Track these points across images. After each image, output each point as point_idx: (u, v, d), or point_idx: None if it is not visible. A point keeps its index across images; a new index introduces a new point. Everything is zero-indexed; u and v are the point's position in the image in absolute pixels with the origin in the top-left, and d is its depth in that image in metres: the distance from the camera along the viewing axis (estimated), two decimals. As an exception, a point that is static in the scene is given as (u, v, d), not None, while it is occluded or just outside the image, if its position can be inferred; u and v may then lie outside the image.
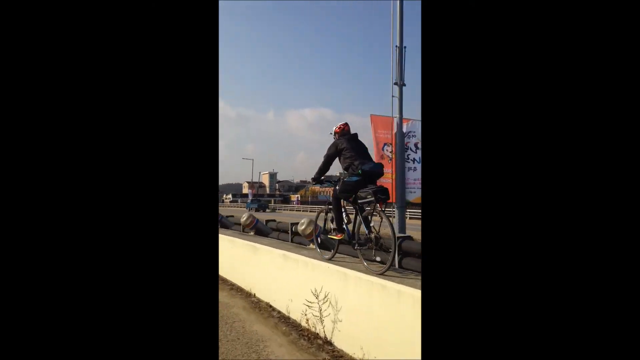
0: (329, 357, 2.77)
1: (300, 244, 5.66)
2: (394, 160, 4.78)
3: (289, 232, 6.29)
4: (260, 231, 6.49)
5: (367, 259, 3.15)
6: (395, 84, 4.45)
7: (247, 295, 4.49)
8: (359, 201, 3.17)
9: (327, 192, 65.48)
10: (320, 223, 4.05)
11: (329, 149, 3.53)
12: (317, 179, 3.77)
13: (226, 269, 5.49)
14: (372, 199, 2.96)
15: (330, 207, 3.67)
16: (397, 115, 4.47)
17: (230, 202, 64.25)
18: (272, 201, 58.90)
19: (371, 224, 3.09)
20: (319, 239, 4.15)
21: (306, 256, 3.66)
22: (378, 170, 3.26)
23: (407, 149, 4.68)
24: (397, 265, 3.74)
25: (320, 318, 3.03)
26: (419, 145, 4.78)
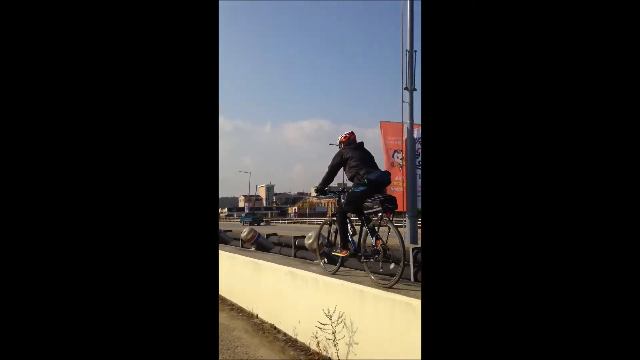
0: (346, 388, 2.46)
1: (304, 258, 5.36)
2: (404, 167, 4.55)
3: (292, 246, 6.00)
4: (261, 246, 6.17)
5: (374, 272, 2.94)
6: (406, 88, 4.26)
7: (249, 317, 4.16)
8: (365, 211, 3.01)
9: (324, 203, 65.17)
10: (325, 235, 3.83)
11: (334, 158, 3.37)
12: (320, 190, 3.62)
13: (226, 287, 5.15)
14: (380, 208, 2.82)
15: (334, 218, 3.50)
16: (408, 121, 4.26)
17: (226, 216, 63.62)
18: (269, 214, 58.46)
19: (378, 235, 2.90)
20: (324, 251, 3.90)
21: (315, 272, 3.37)
22: (385, 179, 3.09)
23: (419, 155, 4.45)
24: (412, 279, 3.47)
25: (334, 341, 2.72)
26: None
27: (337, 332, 2.72)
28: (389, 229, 2.82)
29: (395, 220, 2.99)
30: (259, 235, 6.20)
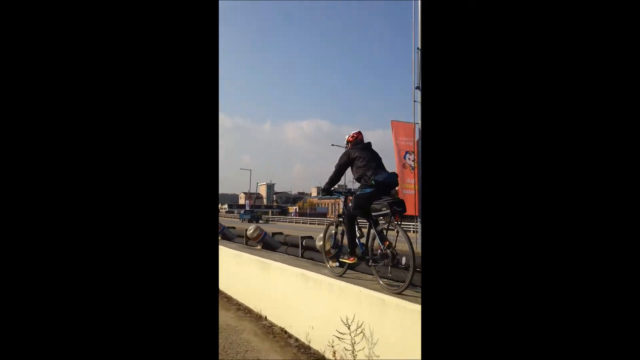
0: (366, 402, 2.32)
1: (312, 259, 5.22)
2: (416, 169, 4.40)
3: (300, 246, 5.86)
4: (268, 245, 6.02)
5: (382, 277, 2.85)
6: (417, 88, 4.12)
7: (257, 318, 4.01)
8: (373, 214, 2.92)
9: (325, 204, 64.99)
10: (329, 236, 3.73)
11: (341, 158, 3.30)
12: (327, 190, 3.51)
13: (232, 286, 5.01)
14: (388, 211, 2.75)
15: (340, 219, 3.43)
16: (420, 122, 4.11)
17: (227, 212, 63.43)
18: (270, 212, 58.32)
19: (387, 239, 2.83)
20: (331, 252, 3.78)
21: (329, 276, 3.22)
22: (392, 180, 3.03)
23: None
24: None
25: (353, 352, 2.57)
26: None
27: (356, 342, 2.57)
28: (398, 232, 2.74)
29: (404, 224, 2.92)
30: (266, 233, 6.06)
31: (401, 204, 2.80)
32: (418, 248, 4.15)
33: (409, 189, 4.60)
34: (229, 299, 4.84)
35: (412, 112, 4.25)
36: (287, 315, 3.65)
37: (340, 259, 3.28)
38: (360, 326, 2.59)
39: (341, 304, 2.88)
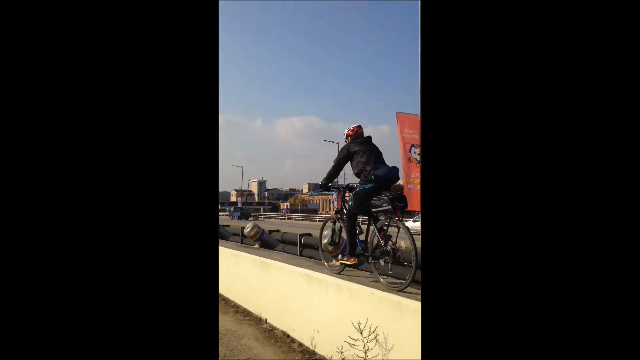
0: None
1: (311, 257, 5.03)
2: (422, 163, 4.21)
3: (298, 244, 5.66)
4: (266, 243, 5.81)
5: (382, 274, 2.78)
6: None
7: (257, 321, 3.81)
8: (373, 210, 2.82)
9: (316, 200, 64.79)
10: (326, 233, 3.58)
11: (340, 152, 3.20)
12: (324, 185, 3.39)
13: (229, 288, 4.79)
14: (389, 207, 2.66)
15: (338, 216, 3.35)
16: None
17: (218, 210, 62.87)
18: (262, 209, 57.95)
19: (388, 235, 2.78)
20: (328, 249, 3.67)
21: (336, 276, 3.03)
22: (393, 175, 2.94)
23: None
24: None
25: (366, 359, 2.39)
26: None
27: (369, 348, 2.38)
28: (399, 229, 2.66)
29: (403, 220, 2.85)
30: (263, 231, 5.85)
31: (402, 199, 2.72)
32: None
33: (414, 184, 4.43)
34: (227, 301, 4.62)
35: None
36: (289, 318, 3.45)
37: (340, 260, 3.16)
38: (373, 331, 2.41)
39: (351, 306, 2.69)
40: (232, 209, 42.86)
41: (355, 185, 3.23)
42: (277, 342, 3.26)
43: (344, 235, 3.28)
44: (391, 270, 2.72)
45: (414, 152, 4.44)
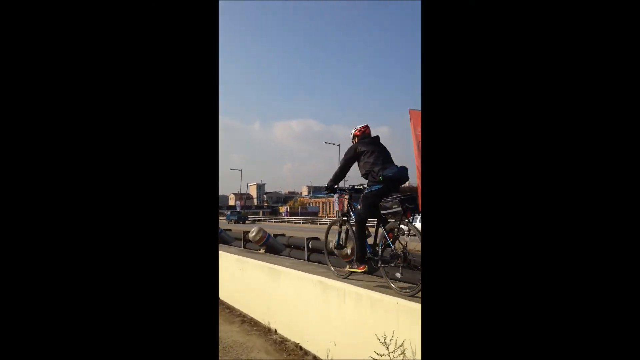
0: None
1: (319, 262, 4.81)
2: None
3: (305, 249, 5.44)
4: (272, 248, 5.58)
5: (392, 279, 2.65)
6: None
7: (266, 332, 3.59)
8: (383, 212, 2.72)
9: (316, 203, 64.54)
10: (332, 237, 3.48)
11: (347, 152, 3.09)
12: (330, 187, 3.25)
13: (235, 296, 4.57)
14: (399, 209, 2.56)
15: (344, 219, 3.24)
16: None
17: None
18: (261, 213, 57.67)
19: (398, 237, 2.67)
20: (332, 252, 3.60)
21: (355, 284, 2.82)
22: (402, 175, 2.82)
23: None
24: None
25: (393, 377, 2.17)
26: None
27: (396, 364, 2.17)
28: (410, 230, 2.55)
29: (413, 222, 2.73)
30: (269, 235, 5.62)
31: (413, 200, 2.61)
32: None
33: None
34: (232, 309, 4.40)
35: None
36: (301, 328, 3.23)
37: (349, 268, 3.01)
38: (400, 345, 2.19)
39: (373, 317, 2.48)
40: (228, 212, 42.50)
41: (362, 187, 3.12)
42: (289, 355, 3.04)
43: (350, 238, 3.19)
44: (402, 274, 2.58)
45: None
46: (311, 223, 35.78)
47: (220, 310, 4.37)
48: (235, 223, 33.61)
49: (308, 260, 5.27)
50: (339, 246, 3.30)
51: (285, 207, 63.04)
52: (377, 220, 2.87)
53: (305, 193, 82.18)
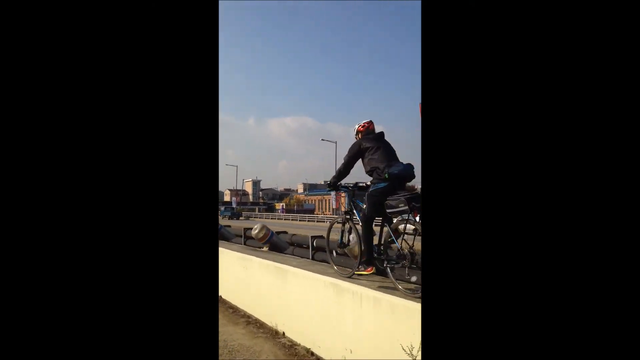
0: None
1: (323, 261, 4.66)
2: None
3: (310, 247, 5.28)
4: (275, 246, 5.42)
5: (399, 279, 2.57)
6: None
7: (273, 335, 3.43)
8: (388, 211, 2.65)
9: (312, 200, 64.37)
10: (335, 236, 3.38)
11: (351, 149, 2.98)
12: (333, 184, 3.14)
13: (238, 294, 4.40)
14: (406, 208, 2.49)
15: (347, 217, 3.15)
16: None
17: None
18: (257, 209, 57.44)
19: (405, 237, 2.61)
20: (333, 253, 3.54)
21: (371, 288, 2.66)
22: (409, 172, 2.72)
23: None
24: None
25: (418, 389, 2.02)
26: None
27: (422, 375, 2.02)
28: (417, 230, 2.47)
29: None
30: (273, 233, 5.45)
31: (419, 198, 2.51)
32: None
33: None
34: (235, 309, 4.23)
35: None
36: (312, 332, 3.07)
37: (356, 272, 2.88)
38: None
39: (394, 323, 2.33)
40: (222, 208, 42.13)
41: (365, 184, 3.02)
42: (300, 360, 2.87)
43: (353, 236, 3.09)
44: (408, 275, 2.51)
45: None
46: (308, 220, 35.63)
47: (223, 309, 4.21)
48: (229, 219, 33.32)
49: (313, 259, 5.12)
50: (342, 245, 3.21)
51: (282, 204, 62.83)
52: (382, 219, 2.78)
53: (300, 190, 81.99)
